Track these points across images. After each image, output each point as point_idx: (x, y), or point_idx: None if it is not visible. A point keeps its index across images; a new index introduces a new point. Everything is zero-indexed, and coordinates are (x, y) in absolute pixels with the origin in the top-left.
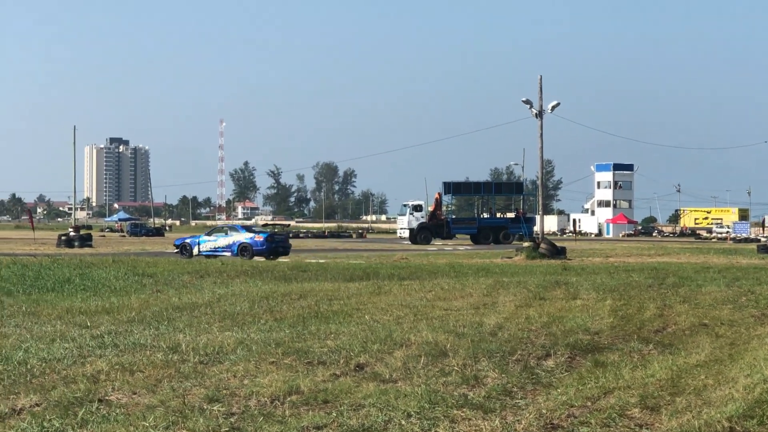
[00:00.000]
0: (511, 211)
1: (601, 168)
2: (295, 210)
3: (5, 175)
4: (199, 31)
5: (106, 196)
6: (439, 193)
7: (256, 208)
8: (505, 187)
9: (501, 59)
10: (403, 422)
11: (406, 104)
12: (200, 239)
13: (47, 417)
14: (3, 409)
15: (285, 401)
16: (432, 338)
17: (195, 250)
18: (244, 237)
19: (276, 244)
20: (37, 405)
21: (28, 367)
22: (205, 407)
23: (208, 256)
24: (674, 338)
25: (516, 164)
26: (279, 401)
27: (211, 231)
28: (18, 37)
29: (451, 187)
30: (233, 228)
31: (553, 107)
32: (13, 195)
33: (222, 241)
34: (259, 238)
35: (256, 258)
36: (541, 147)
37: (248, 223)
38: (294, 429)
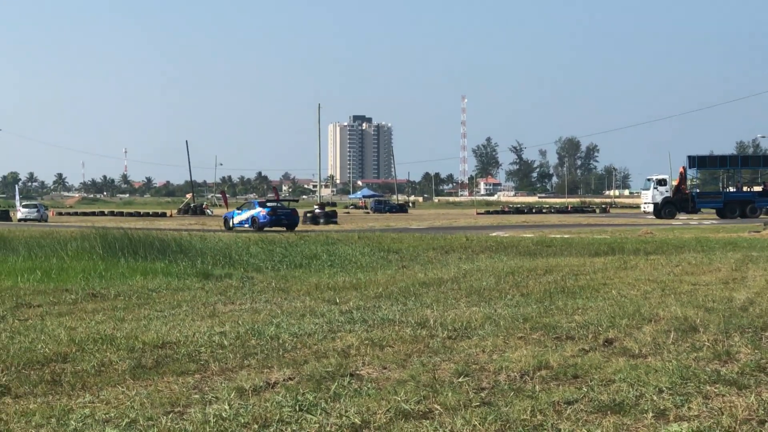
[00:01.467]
0: (758, 185)
1: None
2: (538, 185)
3: (252, 153)
4: (440, 11)
5: (349, 173)
6: (683, 167)
7: (499, 184)
8: (751, 160)
9: (752, 30)
10: (654, 397)
11: (649, 77)
12: (234, 213)
13: (301, 390)
14: (258, 383)
15: (534, 376)
16: (681, 313)
17: (230, 223)
18: (254, 211)
19: (278, 217)
20: (291, 379)
21: (280, 341)
22: (455, 382)
23: (238, 228)
24: None
25: (763, 137)
26: (528, 376)
27: (242, 206)
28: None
29: (696, 161)
30: (250, 203)
31: None
32: (259, 173)
33: (245, 215)
34: (263, 212)
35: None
36: None
37: (490, 198)
38: (545, 404)
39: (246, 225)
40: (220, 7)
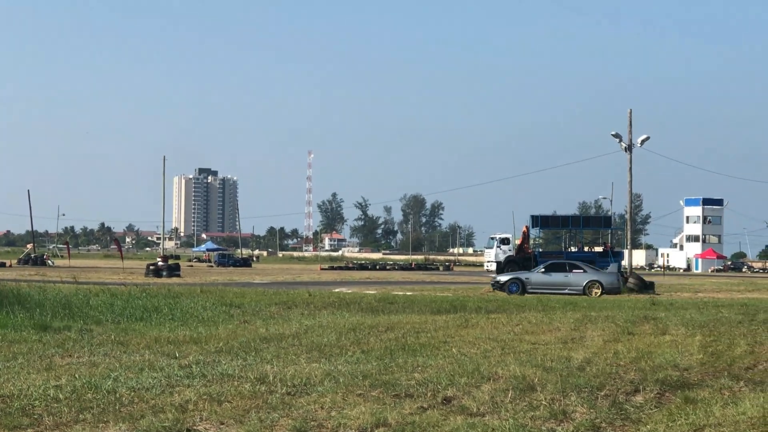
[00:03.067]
0: (599, 245)
1: (690, 202)
2: (383, 242)
3: (95, 204)
4: (287, 64)
5: (194, 226)
6: (526, 227)
7: (343, 240)
8: (593, 221)
9: (590, 92)
10: None
11: (493, 138)
12: None
13: None
14: None
15: None
16: (520, 372)
17: None
18: None
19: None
20: None
21: (117, 395)
22: None
23: None
24: (766, 376)
25: (604, 198)
26: None
27: None
28: (107, 70)
29: (539, 221)
30: None
31: (643, 141)
32: (103, 224)
33: None
34: None
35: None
36: (630, 181)
37: (334, 254)
38: None
39: None
40: (64, 53)
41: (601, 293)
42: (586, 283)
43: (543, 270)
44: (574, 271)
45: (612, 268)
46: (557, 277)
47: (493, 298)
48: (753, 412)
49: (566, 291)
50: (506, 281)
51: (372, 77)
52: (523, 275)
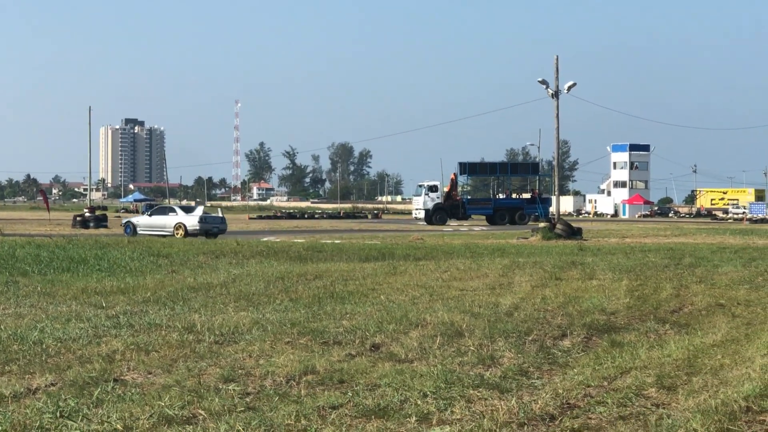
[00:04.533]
0: (526, 192)
1: (617, 148)
2: (311, 191)
3: (20, 155)
4: (214, 11)
5: (121, 176)
6: (454, 174)
7: (272, 189)
8: (521, 167)
9: (517, 40)
10: (419, 402)
11: (421, 85)
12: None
13: (62, 396)
14: (19, 389)
15: (300, 381)
16: (448, 318)
17: None
18: None
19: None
20: (53, 385)
21: (44, 347)
22: (220, 387)
23: None
24: (691, 318)
25: (532, 144)
26: (294, 381)
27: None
28: (30, 17)
29: (467, 168)
30: None
31: (570, 87)
32: (28, 176)
33: None
34: None
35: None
36: (557, 127)
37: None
38: (309, 408)
39: None
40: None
41: (185, 235)
42: (175, 224)
43: (149, 214)
44: (170, 213)
45: (197, 211)
46: (158, 220)
47: (421, 245)
48: (678, 354)
49: (163, 232)
50: (123, 224)
51: (301, 24)
52: (134, 219)
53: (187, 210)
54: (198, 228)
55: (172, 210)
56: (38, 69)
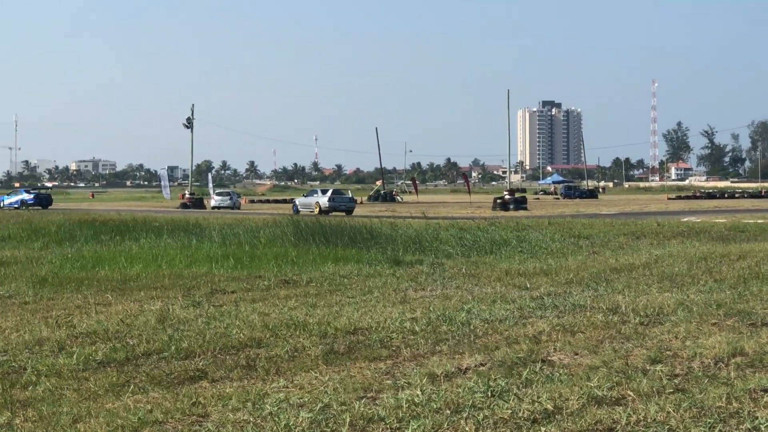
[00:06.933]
0: None
1: None
2: (730, 170)
3: (441, 140)
4: None
5: (539, 159)
6: None
7: (690, 169)
8: None
9: None
10: None
11: None
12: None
13: (492, 376)
14: (450, 369)
15: (729, 363)
16: None
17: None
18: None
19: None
20: (482, 365)
21: (471, 327)
22: (648, 368)
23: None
24: None
25: None
26: (723, 363)
27: (307, 193)
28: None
29: None
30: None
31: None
32: (449, 159)
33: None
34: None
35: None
36: None
37: (680, 183)
38: (740, 391)
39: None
40: None
41: (320, 211)
42: (314, 203)
43: (304, 195)
44: (314, 195)
45: (328, 194)
46: (308, 200)
47: None
48: None
49: (310, 209)
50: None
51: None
52: (297, 200)
53: (324, 192)
54: (328, 206)
55: (316, 192)
56: (459, 53)
